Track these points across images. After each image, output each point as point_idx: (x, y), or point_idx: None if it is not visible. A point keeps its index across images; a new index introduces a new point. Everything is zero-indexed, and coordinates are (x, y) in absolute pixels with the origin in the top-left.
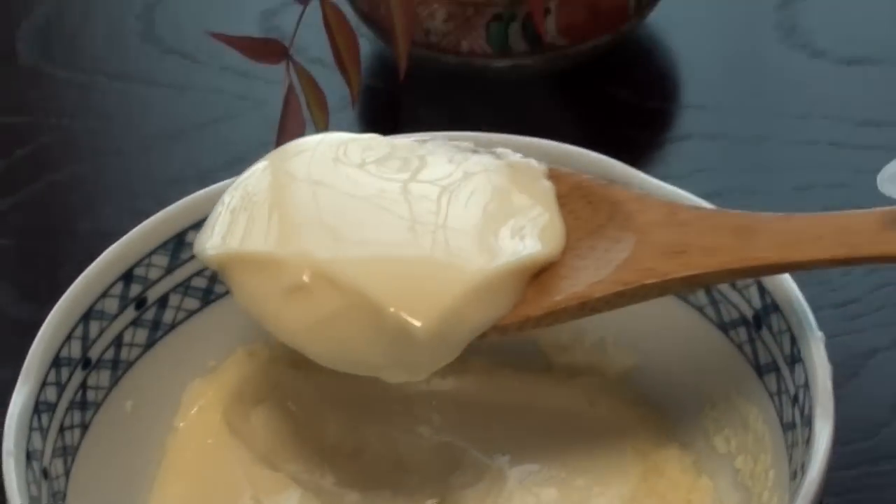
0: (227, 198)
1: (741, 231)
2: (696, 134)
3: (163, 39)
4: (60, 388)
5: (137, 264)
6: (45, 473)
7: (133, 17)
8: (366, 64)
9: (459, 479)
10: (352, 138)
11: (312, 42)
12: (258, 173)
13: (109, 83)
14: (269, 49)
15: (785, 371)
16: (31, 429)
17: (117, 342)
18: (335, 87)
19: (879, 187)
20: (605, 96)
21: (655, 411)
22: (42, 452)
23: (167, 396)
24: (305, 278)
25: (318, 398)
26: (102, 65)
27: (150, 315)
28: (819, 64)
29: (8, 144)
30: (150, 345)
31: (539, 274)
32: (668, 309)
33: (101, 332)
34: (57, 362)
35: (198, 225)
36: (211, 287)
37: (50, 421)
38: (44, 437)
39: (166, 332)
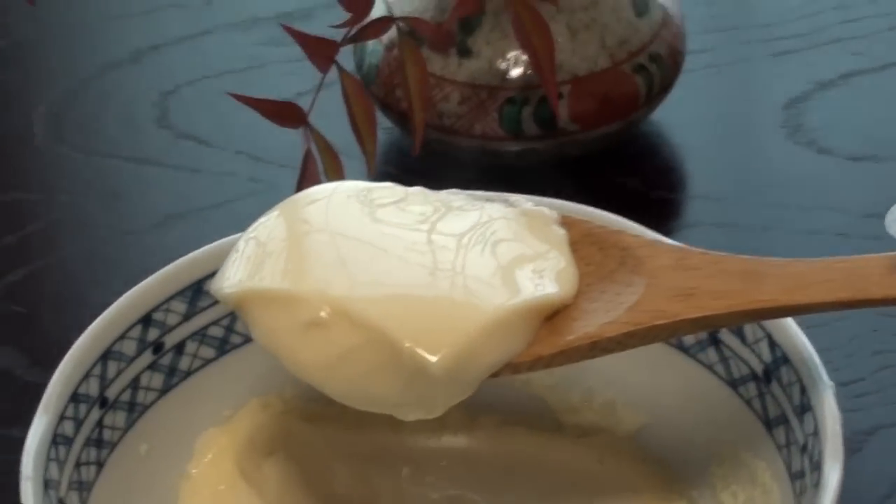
0: (241, 244)
1: (749, 275)
2: (702, 223)
3: (177, 125)
4: (78, 423)
5: (156, 309)
6: (61, 503)
7: (149, 104)
8: (381, 150)
9: None
10: (367, 186)
11: (331, 120)
12: (273, 220)
13: (123, 164)
14: (288, 112)
15: (794, 422)
16: (48, 458)
17: (134, 384)
18: (352, 158)
19: (887, 229)
20: (614, 185)
21: (664, 469)
22: (59, 483)
23: (181, 442)
24: (323, 314)
25: (329, 451)
26: (117, 148)
27: (166, 360)
28: (824, 160)
29: (22, 219)
30: (165, 390)
31: (552, 317)
32: (677, 368)
33: (119, 372)
34: (75, 398)
35: (214, 274)
36: (227, 337)
37: (67, 454)
38: (60, 469)
39: (182, 379)
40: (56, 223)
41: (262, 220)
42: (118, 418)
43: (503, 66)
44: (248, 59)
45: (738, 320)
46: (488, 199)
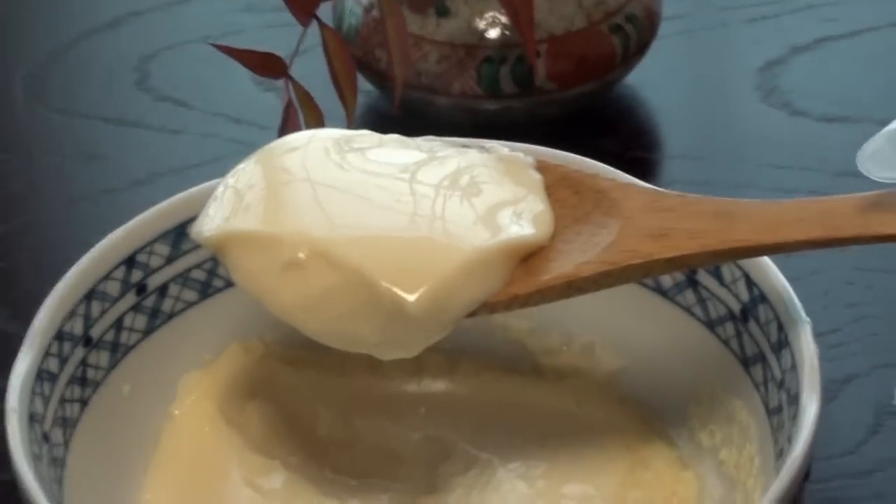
0: (220, 190)
1: (723, 215)
2: (677, 182)
3: (157, 88)
4: (62, 360)
5: (139, 251)
6: (45, 437)
7: (129, 68)
8: (359, 112)
9: (449, 469)
10: (344, 133)
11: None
12: (251, 166)
13: (103, 126)
14: (270, 63)
15: (772, 359)
16: (33, 393)
17: (118, 325)
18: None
19: (859, 166)
20: (591, 145)
21: (642, 410)
22: (43, 417)
23: (163, 384)
24: (301, 255)
25: (310, 394)
26: (97, 110)
27: (149, 302)
28: (798, 122)
29: (1, 179)
30: (148, 331)
31: (528, 258)
32: (656, 311)
33: (103, 312)
34: (60, 335)
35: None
36: (209, 280)
37: (52, 390)
38: (45, 404)
39: (165, 321)
40: (35, 183)
41: (240, 166)
42: (102, 358)
43: (481, 25)
44: (227, 26)
45: (712, 260)
46: (464, 146)
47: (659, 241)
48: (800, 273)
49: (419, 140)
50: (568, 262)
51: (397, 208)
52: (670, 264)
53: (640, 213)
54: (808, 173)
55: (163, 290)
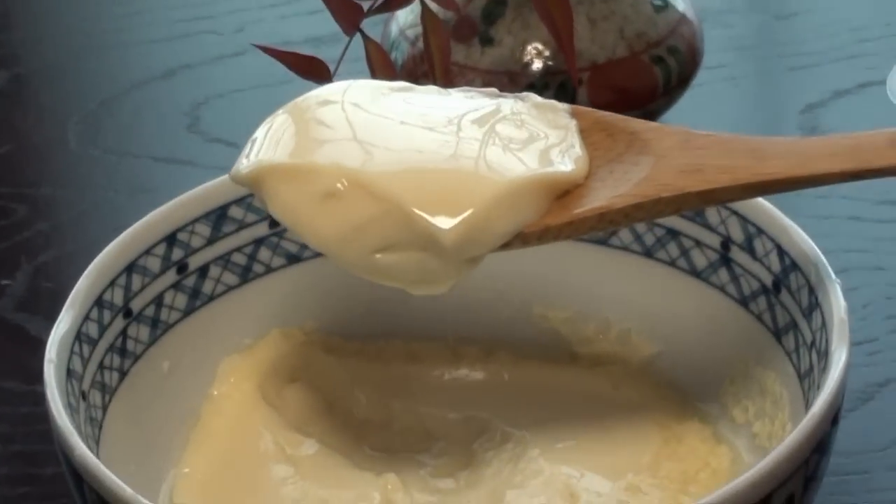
0: (257, 133)
1: (755, 152)
2: None
3: (208, 131)
4: (102, 327)
5: (181, 229)
6: (83, 396)
7: (180, 113)
8: None
9: (484, 444)
10: (380, 83)
11: None
12: (289, 108)
13: (153, 164)
14: (313, 66)
15: (802, 324)
16: (72, 352)
17: (158, 301)
18: None
19: (890, 96)
20: None
21: (677, 391)
22: (82, 377)
23: (203, 365)
24: (339, 185)
25: (348, 380)
26: (148, 150)
27: (190, 282)
28: None
29: (56, 210)
30: (188, 311)
31: (563, 196)
32: (691, 293)
33: (143, 287)
34: (100, 303)
35: (241, 200)
36: (250, 265)
37: (91, 353)
38: (84, 365)
39: (205, 303)
40: (86, 213)
41: (277, 112)
42: (142, 332)
43: (524, 53)
44: (281, 76)
45: (743, 194)
46: (501, 95)
47: (691, 176)
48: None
49: (455, 90)
50: (601, 197)
51: (435, 144)
52: (702, 198)
53: (673, 152)
54: (849, 201)
55: (203, 271)
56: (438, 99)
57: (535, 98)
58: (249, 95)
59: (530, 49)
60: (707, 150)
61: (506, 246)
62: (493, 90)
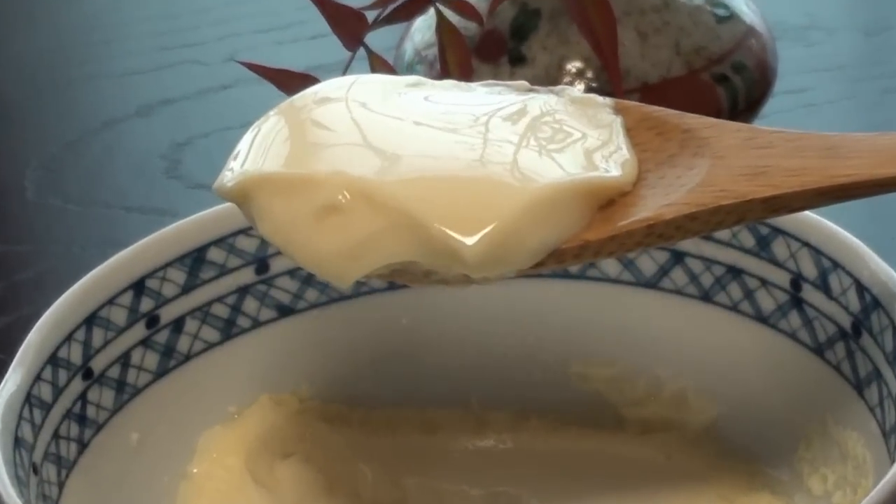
0: (244, 140)
1: (831, 150)
2: None
3: (189, 176)
4: (57, 389)
5: (150, 275)
6: (34, 469)
7: (157, 156)
8: None
9: None
10: (391, 77)
11: None
12: (284, 108)
13: (126, 215)
14: (305, 84)
15: (887, 372)
16: (20, 417)
17: (124, 360)
18: None
19: None
20: None
21: (743, 459)
22: (33, 447)
23: (179, 438)
24: (340, 197)
25: (352, 454)
26: (120, 199)
27: (162, 338)
28: None
29: (9, 269)
30: (161, 373)
31: (606, 206)
32: (757, 343)
33: (106, 343)
34: (54, 361)
35: (221, 240)
36: (233, 318)
37: (44, 419)
38: (35, 433)
39: (180, 363)
40: (47, 272)
41: (268, 113)
42: (105, 396)
43: (561, 73)
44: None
45: (816, 201)
46: (531, 89)
47: (755, 180)
48: None
49: (478, 84)
50: (649, 206)
51: (454, 147)
52: (768, 206)
53: (734, 152)
54: None
55: (178, 325)
56: (459, 95)
57: (573, 91)
58: (239, 135)
59: (569, 68)
60: (773, 148)
61: (539, 265)
62: (524, 83)
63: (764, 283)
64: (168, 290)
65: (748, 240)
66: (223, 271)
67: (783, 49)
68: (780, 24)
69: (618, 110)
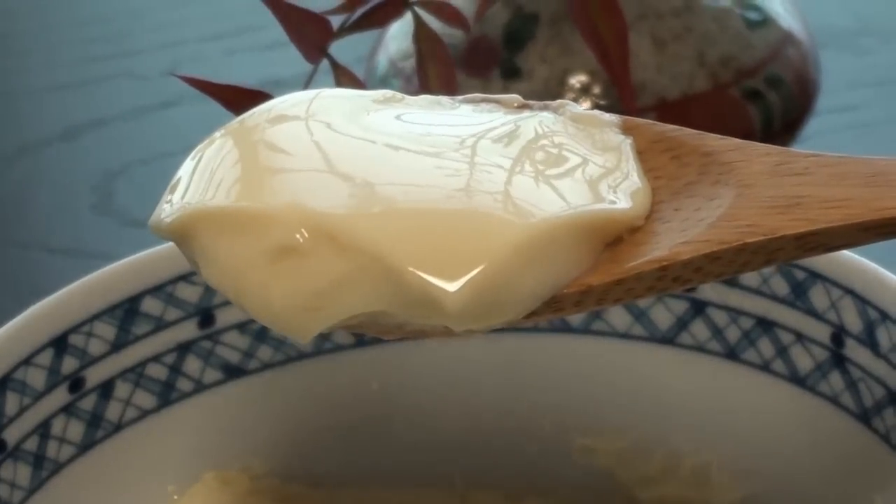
0: (184, 168)
1: (878, 177)
2: None
3: (124, 212)
4: None
5: (74, 330)
6: None
7: (87, 188)
8: None
9: None
10: (360, 92)
11: None
12: (232, 129)
13: (48, 258)
14: (255, 101)
15: None
16: None
17: (43, 431)
18: None
19: None
20: None
21: None
22: None
23: None
24: (298, 236)
25: None
26: (41, 239)
27: (87, 405)
28: None
29: None
30: (87, 446)
31: (614, 244)
32: (790, 408)
33: (22, 410)
34: None
35: (158, 288)
36: (173, 381)
37: None
38: None
39: (110, 434)
40: None
41: (215, 134)
42: (20, 473)
43: (563, 88)
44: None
45: (859, 237)
46: (526, 104)
47: (787, 213)
48: None
49: (462, 99)
50: (662, 244)
51: (433, 175)
52: (802, 243)
53: (762, 179)
54: None
55: (106, 389)
56: (439, 113)
57: (574, 107)
58: (182, 162)
59: (572, 83)
60: (809, 175)
61: (533, 315)
62: (516, 97)
63: (800, 337)
64: (95, 348)
65: (781, 287)
66: (160, 325)
67: (828, 59)
68: (824, 30)
69: (627, 129)
